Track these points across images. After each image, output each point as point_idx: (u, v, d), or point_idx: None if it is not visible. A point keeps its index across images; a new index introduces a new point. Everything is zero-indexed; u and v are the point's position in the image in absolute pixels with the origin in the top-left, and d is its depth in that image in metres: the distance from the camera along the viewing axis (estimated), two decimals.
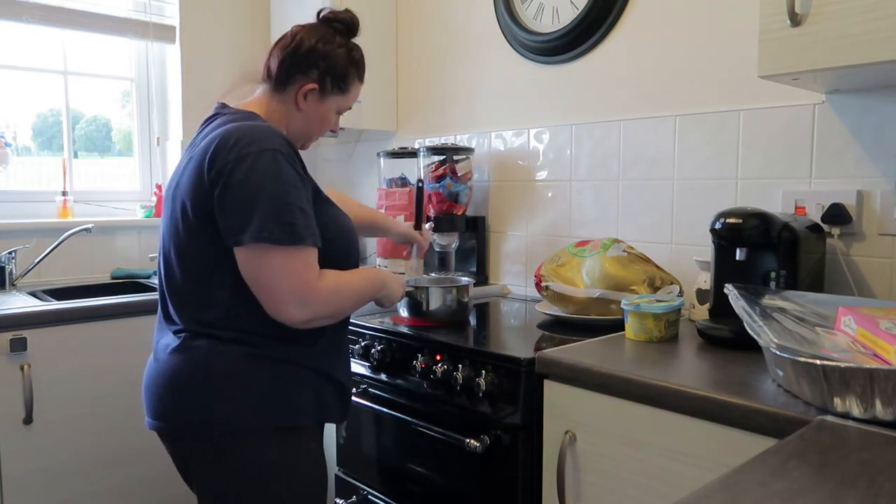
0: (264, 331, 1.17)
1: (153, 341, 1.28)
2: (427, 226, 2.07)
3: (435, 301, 1.64)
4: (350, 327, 1.74)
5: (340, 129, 2.56)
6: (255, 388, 1.17)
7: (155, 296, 2.06)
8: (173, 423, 1.19)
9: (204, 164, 1.13)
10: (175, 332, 1.21)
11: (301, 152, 1.25)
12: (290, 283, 1.11)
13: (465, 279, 1.76)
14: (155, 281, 2.39)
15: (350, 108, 1.38)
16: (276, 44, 1.30)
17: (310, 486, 1.23)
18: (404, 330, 1.61)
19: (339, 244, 1.26)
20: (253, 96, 1.31)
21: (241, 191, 1.10)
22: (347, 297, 1.21)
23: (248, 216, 1.10)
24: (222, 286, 1.16)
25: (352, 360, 1.73)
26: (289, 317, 1.13)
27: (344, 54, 1.30)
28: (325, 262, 1.19)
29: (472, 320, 1.79)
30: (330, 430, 1.84)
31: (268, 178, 1.11)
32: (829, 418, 0.93)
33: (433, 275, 2.02)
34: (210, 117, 1.27)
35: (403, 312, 1.68)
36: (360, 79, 1.36)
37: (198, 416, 1.17)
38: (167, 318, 1.24)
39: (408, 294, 1.62)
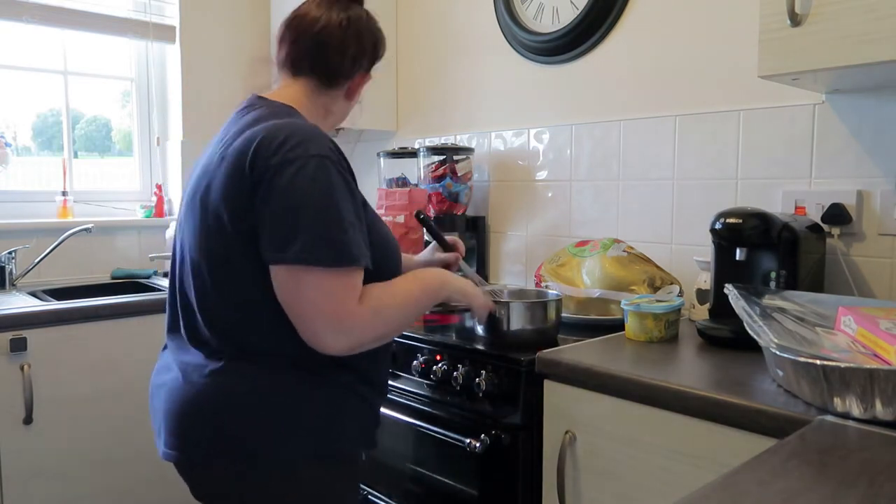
0: (315, 353, 1.03)
1: (171, 360, 1.14)
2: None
3: (520, 319, 1.42)
4: None
5: (340, 128, 2.55)
6: (310, 416, 1.06)
7: (154, 296, 2.08)
8: (207, 455, 1.05)
9: (243, 167, 1.00)
10: (211, 353, 1.07)
11: None
12: (327, 308, 0.98)
13: (552, 292, 1.54)
14: (156, 281, 2.39)
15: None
16: (295, 26, 1.16)
17: None
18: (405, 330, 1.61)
19: (383, 262, 1.12)
20: (281, 86, 1.18)
21: (284, 202, 0.97)
22: (395, 316, 1.07)
23: (291, 232, 0.97)
24: (271, 304, 1.02)
25: None
26: (327, 347, 1.00)
27: (382, 35, 1.26)
28: (370, 281, 1.06)
29: (472, 320, 1.78)
30: None
31: (316, 188, 0.98)
32: (829, 418, 0.93)
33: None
34: (242, 109, 1.14)
35: (480, 331, 1.48)
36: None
37: (246, 447, 1.03)
38: (194, 336, 1.10)
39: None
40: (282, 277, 0.99)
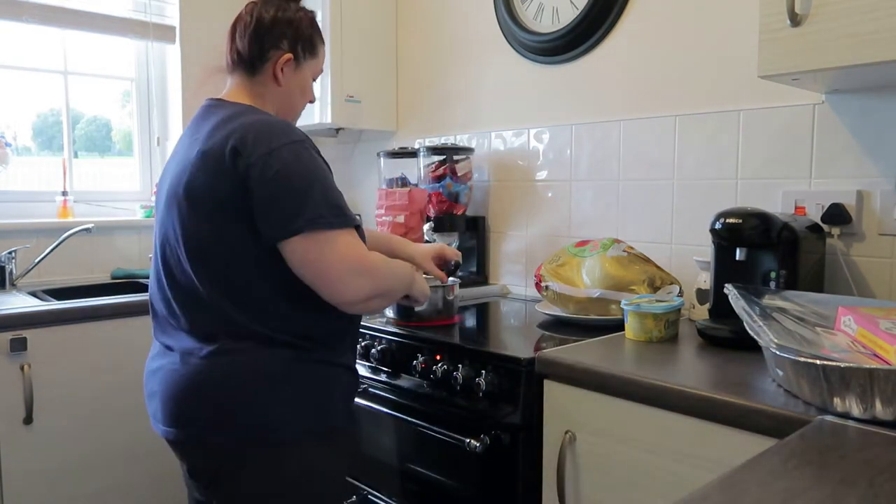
0: (305, 332, 1.16)
1: (164, 347, 1.22)
2: (426, 226, 2.08)
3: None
4: None
5: (340, 129, 2.55)
6: (302, 391, 1.15)
7: None
8: (207, 432, 1.14)
9: (225, 163, 1.10)
10: (206, 337, 1.15)
11: None
12: (349, 257, 1.11)
13: (450, 279, 1.71)
14: None
15: (322, 72, 1.38)
16: (234, 28, 1.27)
17: (341, 487, 1.24)
18: (404, 330, 1.61)
19: None
20: (227, 89, 1.29)
21: (282, 184, 1.09)
22: (394, 277, 1.22)
23: (299, 206, 1.09)
24: (262, 287, 1.14)
25: None
26: (352, 294, 1.12)
27: (304, 17, 1.30)
28: None
29: (472, 320, 1.79)
30: None
31: (309, 167, 1.12)
32: (829, 418, 0.93)
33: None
34: (206, 109, 1.24)
35: (389, 313, 1.69)
36: (323, 40, 1.36)
37: (240, 423, 1.12)
38: (189, 321, 1.18)
39: None
40: (300, 247, 1.10)
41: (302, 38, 1.28)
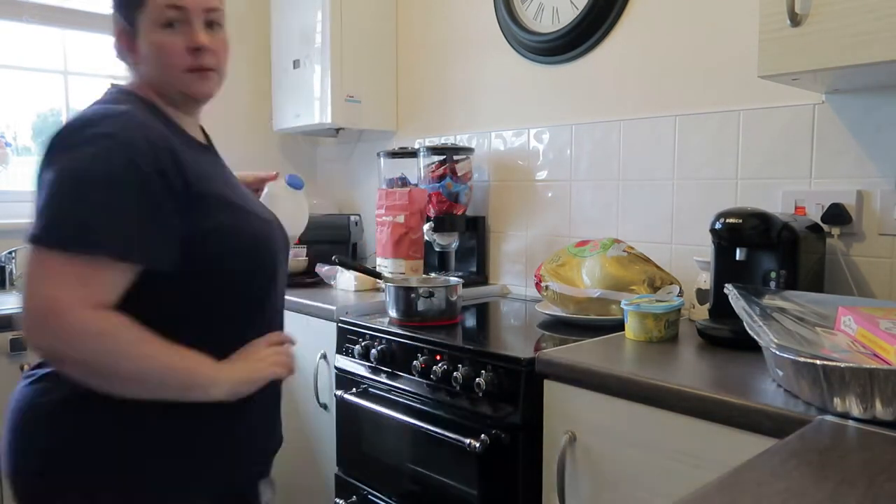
0: None
1: None
2: (426, 226, 2.08)
3: (423, 301, 1.64)
4: (350, 326, 1.75)
5: (340, 129, 2.52)
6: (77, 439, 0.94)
7: None
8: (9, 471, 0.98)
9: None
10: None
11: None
12: (42, 295, 0.85)
13: (453, 279, 1.74)
14: None
15: (173, 7, 1.02)
16: None
17: None
18: (404, 330, 1.61)
19: (232, 260, 1.00)
20: None
21: (43, 183, 0.90)
22: (121, 358, 0.88)
23: (40, 212, 0.88)
24: None
25: (352, 359, 1.73)
26: (31, 342, 0.87)
27: None
28: (222, 284, 0.99)
29: (472, 320, 1.79)
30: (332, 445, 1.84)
31: (77, 168, 0.88)
32: (829, 418, 0.93)
33: (433, 275, 2.03)
34: None
35: (392, 312, 1.68)
36: None
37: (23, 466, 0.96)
38: None
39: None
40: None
41: (117, 1, 1.06)
